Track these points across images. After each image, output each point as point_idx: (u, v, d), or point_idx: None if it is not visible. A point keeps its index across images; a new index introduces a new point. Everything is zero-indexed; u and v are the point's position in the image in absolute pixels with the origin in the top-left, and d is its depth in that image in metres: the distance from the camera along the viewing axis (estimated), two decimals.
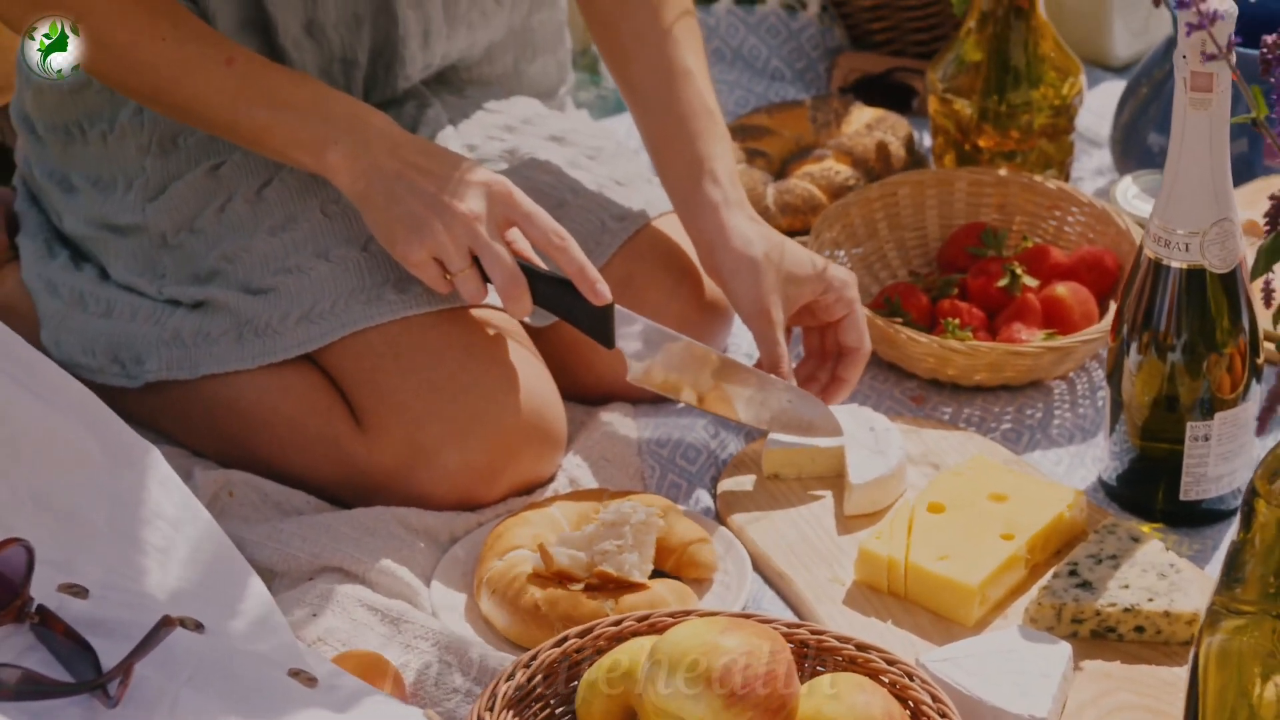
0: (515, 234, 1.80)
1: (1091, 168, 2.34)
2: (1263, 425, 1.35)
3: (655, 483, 1.87)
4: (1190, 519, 1.83)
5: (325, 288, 1.84)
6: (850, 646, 1.56)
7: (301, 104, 1.79)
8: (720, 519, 1.83)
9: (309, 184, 1.89)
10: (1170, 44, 2.23)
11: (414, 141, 1.80)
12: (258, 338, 1.84)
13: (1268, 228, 1.35)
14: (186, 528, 1.59)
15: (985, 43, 2.19)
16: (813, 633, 1.57)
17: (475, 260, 1.77)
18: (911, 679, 1.53)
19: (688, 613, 1.58)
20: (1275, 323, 1.34)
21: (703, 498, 1.86)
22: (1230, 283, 1.76)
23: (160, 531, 1.58)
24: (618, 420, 1.92)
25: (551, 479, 1.86)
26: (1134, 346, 1.79)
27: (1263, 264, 1.34)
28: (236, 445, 1.87)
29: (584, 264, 1.78)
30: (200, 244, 1.90)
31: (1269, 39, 1.35)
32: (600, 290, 1.78)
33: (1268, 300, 1.40)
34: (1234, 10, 1.65)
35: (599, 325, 1.81)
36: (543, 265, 1.81)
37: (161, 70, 1.79)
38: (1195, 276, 1.75)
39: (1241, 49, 1.52)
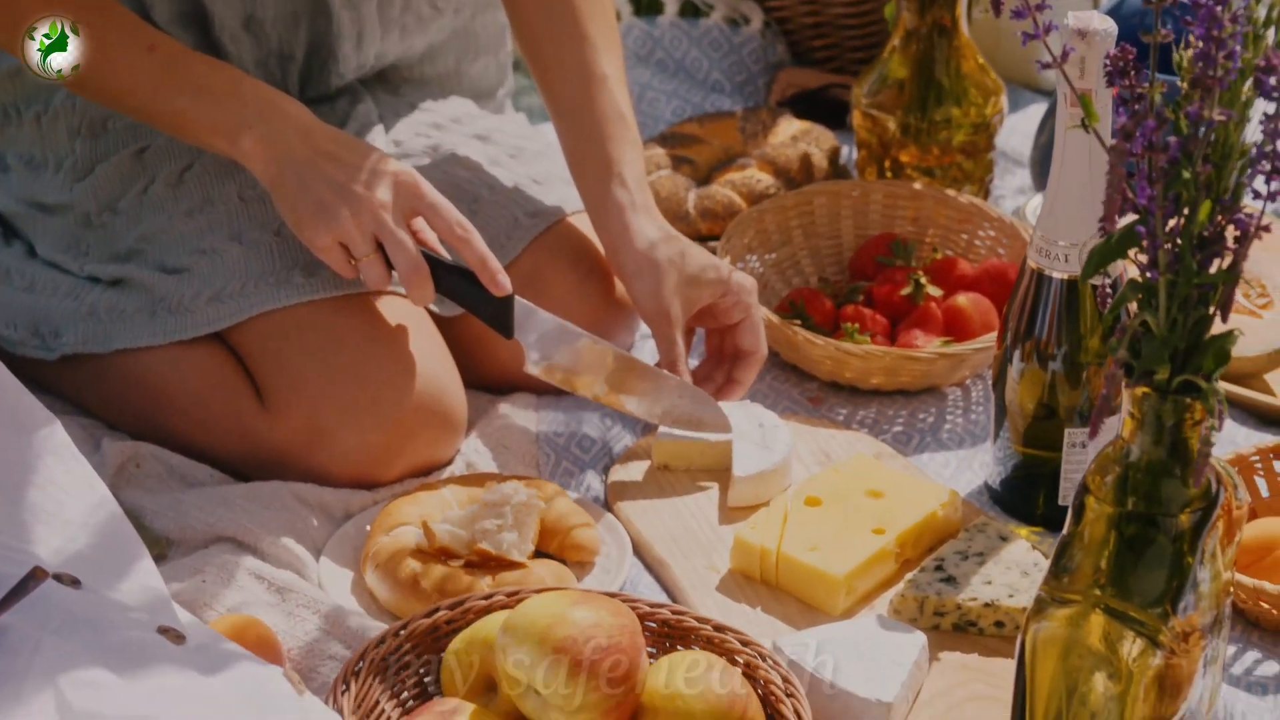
0: (421, 224, 1.86)
1: (1014, 186, 2.39)
2: (1093, 430, 1.39)
3: (549, 470, 1.92)
4: None
5: (237, 269, 1.90)
6: (708, 627, 1.61)
7: (218, 91, 1.85)
8: (609, 506, 1.89)
9: (229, 169, 1.96)
10: None
11: (327, 130, 1.86)
12: (170, 315, 1.90)
13: (1100, 231, 1.39)
14: (79, 495, 1.64)
15: (909, 60, 2.24)
16: (673, 613, 1.63)
17: (380, 248, 1.83)
18: (764, 660, 1.58)
19: (554, 589, 1.63)
20: (1104, 321, 1.39)
21: (594, 485, 1.91)
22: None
23: (51, 496, 1.63)
24: (518, 409, 1.97)
25: (449, 462, 1.91)
26: (1017, 355, 1.84)
27: (1093, 265, 1.39)
28: (145, 419, 1.93)
29: (485, 255, 1.84)
30: (122, 224, 1.96)
31: (1113, 52, 1.40)
32: (500, 281, 1.84)
33: (1102, 303, 1.45)
34: (1113, 29, 1.71)
35: (499, 316, 1.86)
36: (447, 256, 1.87)
37: (85, 56, 1.85)
38: (1074, 287, 1.80)
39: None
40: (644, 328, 2.08)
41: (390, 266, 1.84)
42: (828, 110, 2.51)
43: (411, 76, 2.15)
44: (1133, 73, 1.39)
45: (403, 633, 1.62)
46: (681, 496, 1.88)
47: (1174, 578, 1.42)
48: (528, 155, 2.12)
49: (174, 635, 1.52)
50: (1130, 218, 1.38)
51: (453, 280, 1.85)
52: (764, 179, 2.26)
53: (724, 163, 2.33)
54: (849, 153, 2.42)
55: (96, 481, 1.64)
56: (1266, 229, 1.34)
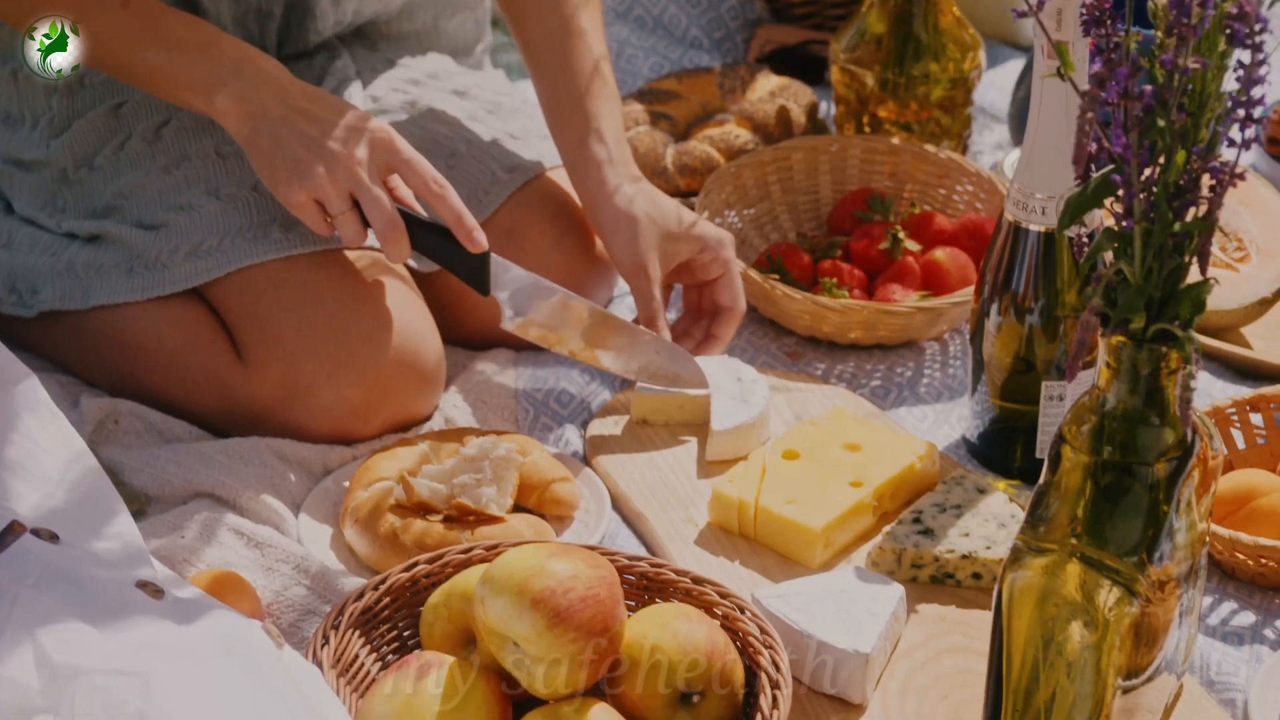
0: (397, 181, 1.86)
1: (992, 141, 2.40)
2: (1070, 375, 1.40)
3: (528, 425, 1.93)
4: None
5: (214, 225, 1.90)
6: (686, 580, 1.62)
7: (193, 47, 1.85)
8: (587, 461, 1.89)
9: (205, 124, 1.95)
10: None
11: (301, 87, 1.85)
12: (147, 271, 1.90)
13: (1078, 182, 1.40)
14: (57, 451, 1.64)
15: (888, 15, 2.24)
16: (652, 566, 1.63)
17: (356, 205, 1.83)
18: (742, 612, 1.59)
19: (535, 543, 1.63)
20: (1081, 271, 1.39)
21: (573, 440, 1.91)
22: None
23: (28, 453, 1.63)
24: (497, 365, 1.97)
25: (428, 418, 1.91)
26: (994, 308, 1.84)
27: (1069, 215, 1.39)
28: (124, 375, 1.92)
29: (461, 211, 1.83)
30: (99, 180, 1.96)
31: (1089, 1, 1.40)
32: (476, 238, 1.84)
33: (1078, 252, 1.45)
34: None
35: (475, 272, 1.86)
36: (423, 212, 1.86)
37: (60, 10, 1.85)
38: (1051, 240, 1.80)
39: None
40: (622, 284, 2.08)
41: (366, 223, 1.84)
42: (806, 66, 2.50)
43: (389, 33, 2.15)
44: (1109, 22, 1.39)
45: (381, 587, 1.62)
46: (660, 451, 1.89)
47: (1150, 527, 1.43)
48: (505, 111, 2.12)
49: (152, 589, 1.53)
50: (1107, 168, 1.38)
51: (429, 237, 1.85)
52: (742, 134, 2.26)
53: (702, 119, 2.33)
54: (827, 108, 2.42)
55: (74, 438, 1.64)
56: (1241, 176, 1.35)
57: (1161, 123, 1.34)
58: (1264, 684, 1.62)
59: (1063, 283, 1.81)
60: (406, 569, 1.63)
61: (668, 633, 1.52)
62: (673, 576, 1.62)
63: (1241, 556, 1.72)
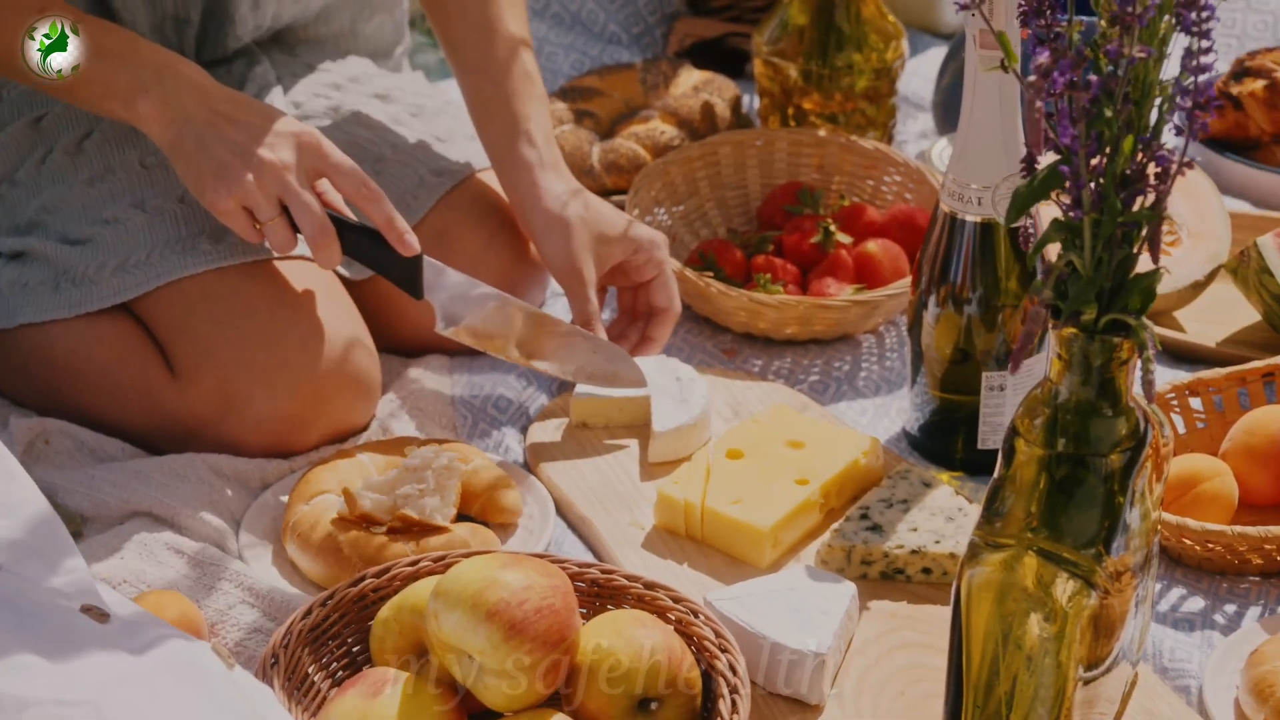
0: (325, 185, 1.83)
1: (916, 131, 2.39)
2: (1014, 365, 1.39)
3: (467, 431, 1.91)
4: (988, 467, 1.86)
5: (141, 238, 1.87)
6: (638, 585, 1.60)
7: (112, 53, 1.82)
8: (529, 467, 1.87)
9: (128, 135, 1.92)
10: None
11: (224, 91, 1.82)
12: (74, 287, 1.87)
13: (1023, 173, 1.39)
14: None
15: (810, 7, 2.23)
16: (603, 572, 1.61)
17: (285, 210, 1.80)
18: (696, 616, 1.57)
19: (481, 553, 1.61)
20: (1029, 262, 1.38)
21: (513, 446, 1.89)
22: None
23: None
24: (432, 371, 1.95)
25: (365, 428, 1.89)
26: (932, 300, 1.84)
27: (1016, 208, 1.39)
28: (53, 394, 1.89)
29: (392, 215, 1.81)
30: (21, 195, 1.92)
31: None
32: (408, 241, 1.82)
33: (1025, 243, 1.44)
34: None
35: (408, 277, 1.84)
36: (353, 217, 1.84)
37: None
38: (988, 230, 1.80)
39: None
40: (555, 286, 2.07)
41: (296, 229, 1.81)
42: (726, 59, 2.49)
43: (306, 37, 2.12)
44: (1048, 12, 1.38)
45: (329, 603, 1.59)
46: (601, 454, 1.87)
47: (1106, 518, 1.43)
48: (429, 113, 2.10)
49: (98, 614, 1.50)
50: (1049, 159, 1.38)
51: (360, 241, 1.83)
52: (668, 130, 2.24)
53: (626, 115, 2.31)
54: (750, 101, 2.41)
55: (10, 461, 1.60)
56: (1189, 165, 1.34)
57: (1109, 113, 1.34)
58: (1216, 670, 1.63)
59: (1001, 272, 1.81)
60: (354, 584, 1.61)
61: (623, 640, 1.51)
62: (624, 582, 1.61)
63: (1189, 542, 1.73)
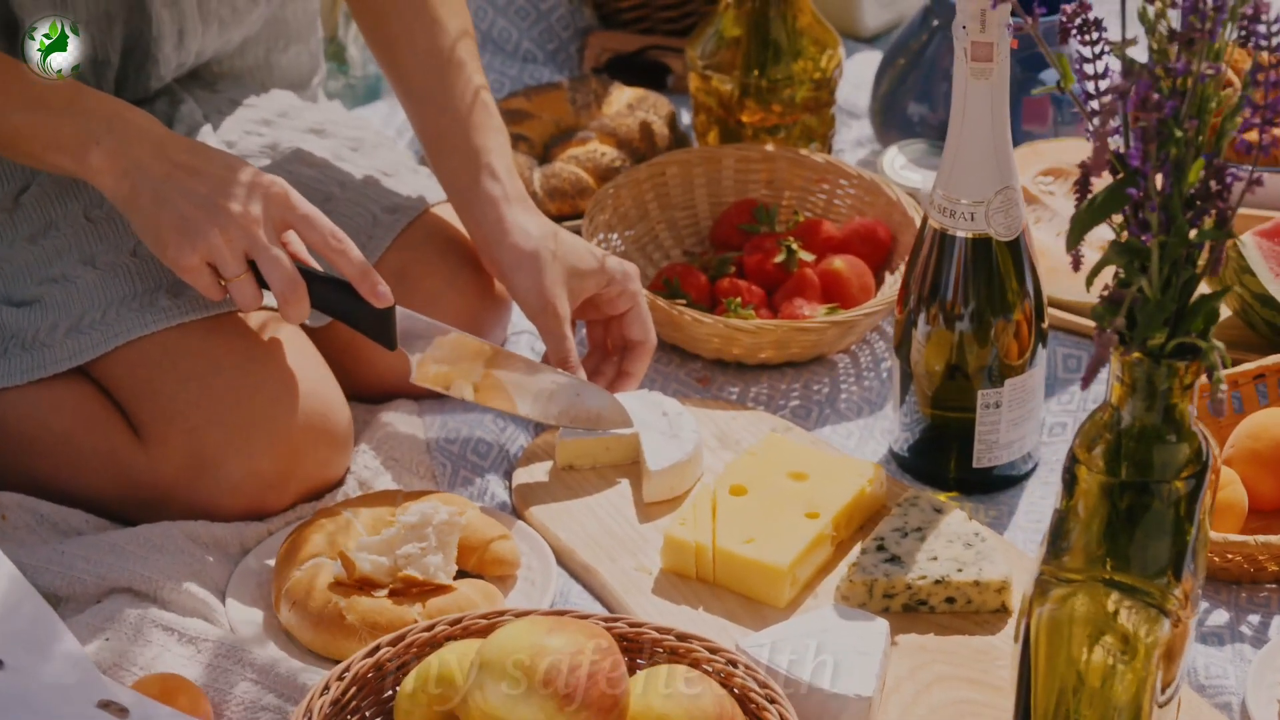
0: (291, 235, 1.74)
1: (851, 139, 2.35)
2: (1086, 382, 1.33)
3: (447, 480, 1.83)
4: (984, 486, 1.84)
5: (94, 296, 1.76)
6: (671, 637, 1.54)
7: (58, 104, 1.71)
8: (517, 513, 1.80)
9: (69, 188, 1.82)
10: (926, 15, 2.24)
11: (180, 141, 1.73)
12: (24, 352, 1.76)
13: (1077, 197, 1.34)
14: None
15: (744, 18, 2.18)
16: (631, 625, 1.54)
17: (251, 265, 1.71)
18: (735, 666, 1.51)
19: (501, 613, 1.54)
20: (1089, 286, 1.34)
21: (498, 492, 1.82)
22: (1015, 249, 1.77)
23: None
24: (403, 418, 1.87)
25: (341, 482, 1.80)
26: (922, 317, 1.79)
27: (1076, 233, 1.34)
28: (8, 465, 1.78)
29: (364, 266, 1.73)
30: None
31: (1068, 8, 1.34)
32: (382, 292, 1.73)
33: (1076, 265, 1.40)
34: None
35: (380, 327, 1.76)
36: (319, 267, 1.76)
37: None
38: (981, 245, 1.76)
39: (1044, 18, 1.52)
40: (517, 322, 1.99)
41: (262, 284, 1.72)
42: (646, 73, 2.43)
43: (223, 71, 2.03)
44: (1091, 30, 1.34)
45: (346, 676, 1.51)
46: (593, 495, 1.80)
47: (1175, 545, 1.39)
48: (368, 146, 2.01)
49: (116, 709, 1.42)
50: (1116, 179, 1.33)
51: (329, 293, 1.74)
52: (608, 151, 2.18)
53: (559, 137, 2.24)
54: (682, 116, 2.34)
55: None
56: (1259, 182, 1.30)
57: (1179, 133, 1.29)
58: (1256, 683, 1.60)
59: (994, 287, 1.77)
60: (369, 654, 1.52)
61: (673, 702, 1.44)
62: (655, 635, 1.54)
63: (1209, 554, 1.69)
